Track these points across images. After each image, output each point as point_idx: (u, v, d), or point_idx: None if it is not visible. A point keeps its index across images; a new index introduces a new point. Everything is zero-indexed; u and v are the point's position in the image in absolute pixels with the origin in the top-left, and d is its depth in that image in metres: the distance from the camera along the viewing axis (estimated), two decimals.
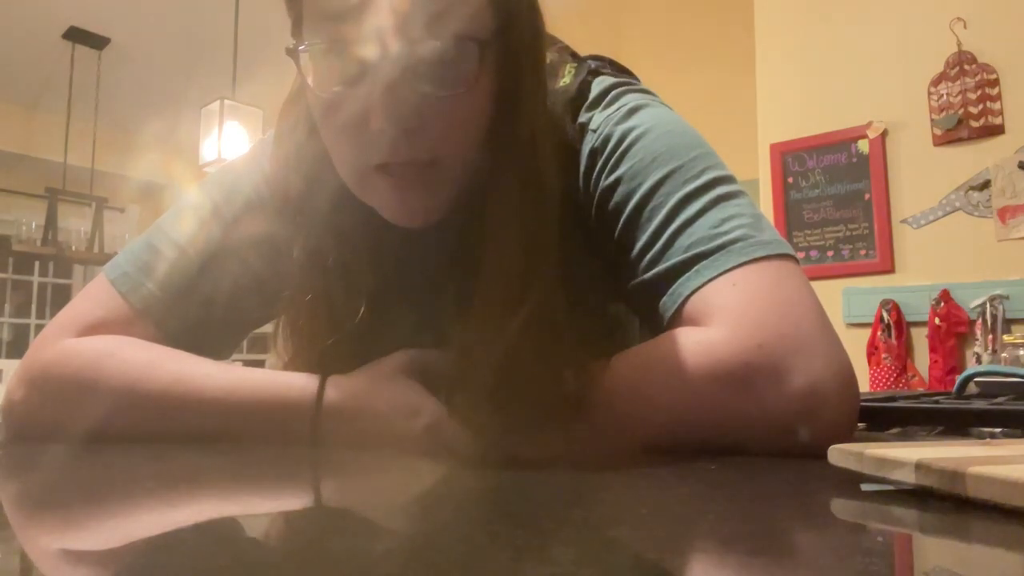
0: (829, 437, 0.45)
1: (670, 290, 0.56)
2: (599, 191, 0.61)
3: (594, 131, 0.62)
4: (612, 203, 0.60)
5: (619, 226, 0.59)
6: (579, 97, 0.64)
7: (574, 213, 0.61)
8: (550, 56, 0.64)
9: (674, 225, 0.56)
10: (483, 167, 0.57)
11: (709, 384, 0.51)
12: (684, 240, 0.56)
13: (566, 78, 0.66)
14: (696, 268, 0.55)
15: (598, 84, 0.65)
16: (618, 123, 0.61)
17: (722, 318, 0.52)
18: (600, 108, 0.63)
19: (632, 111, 0.62)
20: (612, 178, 0.60)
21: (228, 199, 0.69)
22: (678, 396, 0.52)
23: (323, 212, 0.60)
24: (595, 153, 0.62)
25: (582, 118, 0.64)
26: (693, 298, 0.54)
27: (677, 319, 0.55)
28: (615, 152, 0.60)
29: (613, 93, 0.64)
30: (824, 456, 0.42)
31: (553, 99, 0.63)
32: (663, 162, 0.59)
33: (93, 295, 0.68)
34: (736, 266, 0.54)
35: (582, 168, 0.62)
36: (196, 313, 0.67)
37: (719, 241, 0.55)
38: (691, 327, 0.54)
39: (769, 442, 0.51)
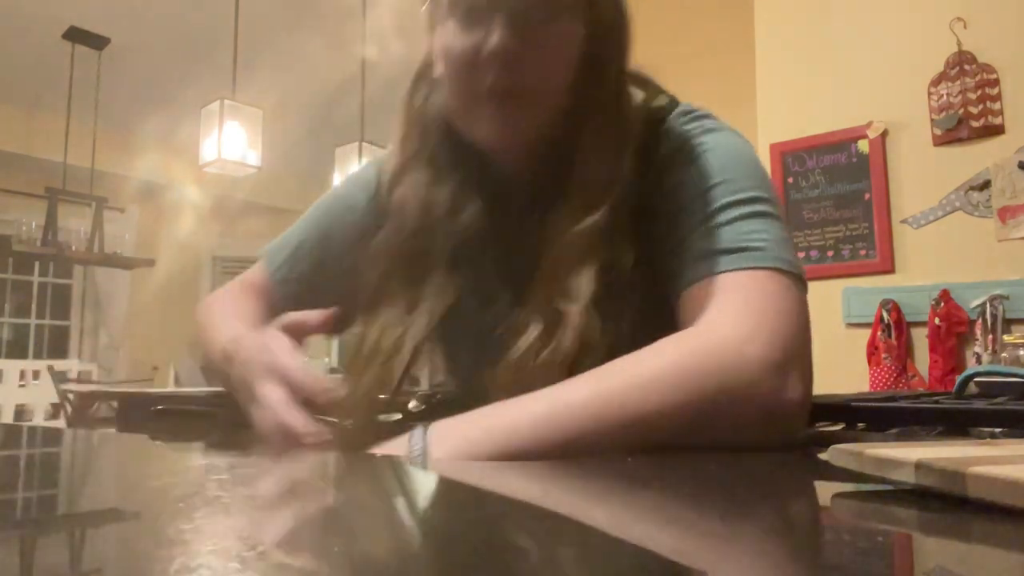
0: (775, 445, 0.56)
1: (688, 270, 0.65)
2: (666, 186, 0.71)
3: (674, 137, 0.73)
4: (672, 197, 0.70)
5: (670, 214, 0.69)
6: (661, 110, 0.76)
7: (638, 195, 0.70)
8: (643, 88, 0.78)
9: (711, 223, 0.66)
10: (567, 122, 0.70)
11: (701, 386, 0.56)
12: (714, 235, 0.65)
13: (660, 99, 0.77)
14: (716, 259, 0.63)
15: (685, 105, 0.78)
16: (694, 137, 0.72)
17: (721, 313, 0.60)
18: (682, 122, 0.74)
19: (708, 131, 0.73)
20: (676, 178, 0.70)
21: (346, 184, 0.92)
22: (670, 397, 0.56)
23: (438, 169, 0.74)
24: (669, 155, 0.72)
25: (665, 125, 0.74)
26: (703, 282, 0.63)
27: (688, 296, 0.64)
28: (687, 158, 0.71)
29: (696, 114, 0.76)
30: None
31: (637, 102, 0.75)
32: (720, 173, 0.68)
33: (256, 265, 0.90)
34: (748, 268, 0.62)
35: (656, 162, 0.72)
36: (309, 276, 0.85)
37: (742, 244, 0.63)
38: (693, 331, 0.60)
39: (734, 438, 0.57)
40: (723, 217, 0.65)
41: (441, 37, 0.69)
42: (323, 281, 0.84)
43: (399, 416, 0.75)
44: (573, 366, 0.60)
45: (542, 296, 0.66)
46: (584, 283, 0.64)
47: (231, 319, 0.78)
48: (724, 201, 0.66)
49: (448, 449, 0.53)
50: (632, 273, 0.67)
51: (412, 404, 0.79)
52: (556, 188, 0.70)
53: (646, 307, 0.67)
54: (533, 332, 0.64)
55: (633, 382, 0.55)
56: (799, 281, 0.63)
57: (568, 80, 0.69)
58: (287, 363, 0.62)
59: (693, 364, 0.56)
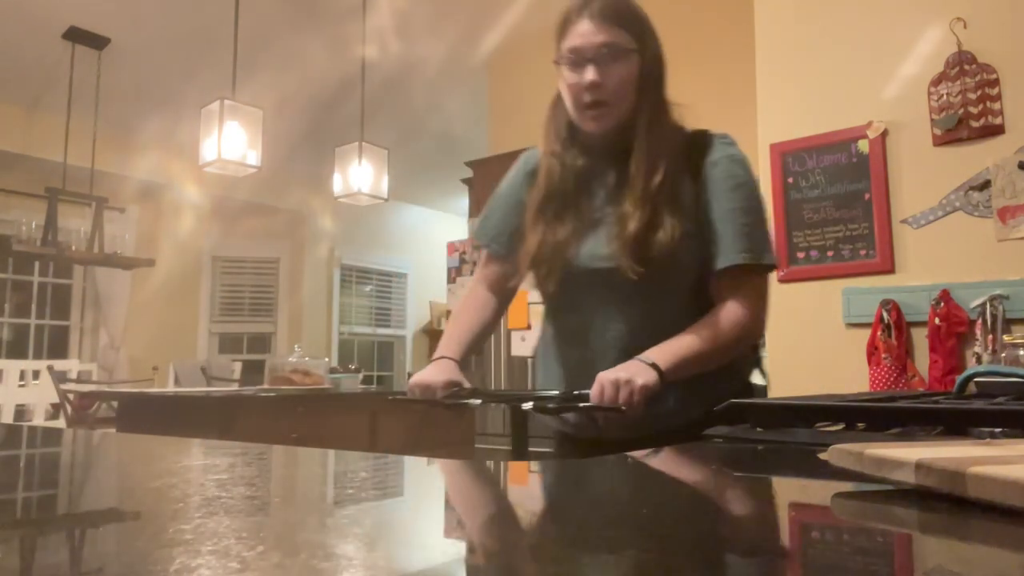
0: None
1: (726, 254, 1.21)
2: (717, 190, 1.24)
3: (718, 151, 1.26)
4: (717, 199, 1.23)
5: (715, 211, 1.23)
6: (706, 131, 1.30)
7: (691, 182, 1.25)
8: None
9: (740, 229, 1.22)
10: (633, 124, 1.25)
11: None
12: (742, 237, 1.21)
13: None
14: (741, 254, 1.20)
15: (720, 133, 1.31)
16: (733, 162, 1.26)
17: (745, 301, 1.21)
18: (721, 143, 1.28)
19: (738, 160, 1.27)
20: (726, 187, 1.24)
21: (513, 169, 1.46)
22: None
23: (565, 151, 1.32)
24: (714, 162, 1.25)
25: (712, 142, 1.28)
26: (735, 268, 1.20)
27: (725, 273, 1.21)
28: (727, 175, 1.24)
29: (729, 139, 1.30)
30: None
31: (682, 128, 1.30)
32: (745, 200, 1.24)
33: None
34: (767, 265, 1.24)
35: (706, 169, 1.25)
36: (500, 229, 1.41)
37: (752, 247, 1.21)
38: (732, 310, 1.21)
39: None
40: (745, 228, 1.22)
41: (562, 76, 1.26)
42: (511, 230, 1.37)
43: (479, 402, 1.19)
44: (636, 247, 1.18)
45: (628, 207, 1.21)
46: (648, 203, 1.20)
47: (445, 340, 1.38)
48: (747, 220, 1.22)
49: (660, 356, 1.13)
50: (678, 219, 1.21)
51: (474, 401, 1.20)
52: (629, 153, 1.24)
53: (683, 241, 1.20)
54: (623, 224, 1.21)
55: (719, 333, 1.18)
56: (772, 267, 1.25)
57: (632, 92, 1.24)
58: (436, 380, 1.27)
59: (735, 332, 1.20)
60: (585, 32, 1.21)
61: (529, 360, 3.97)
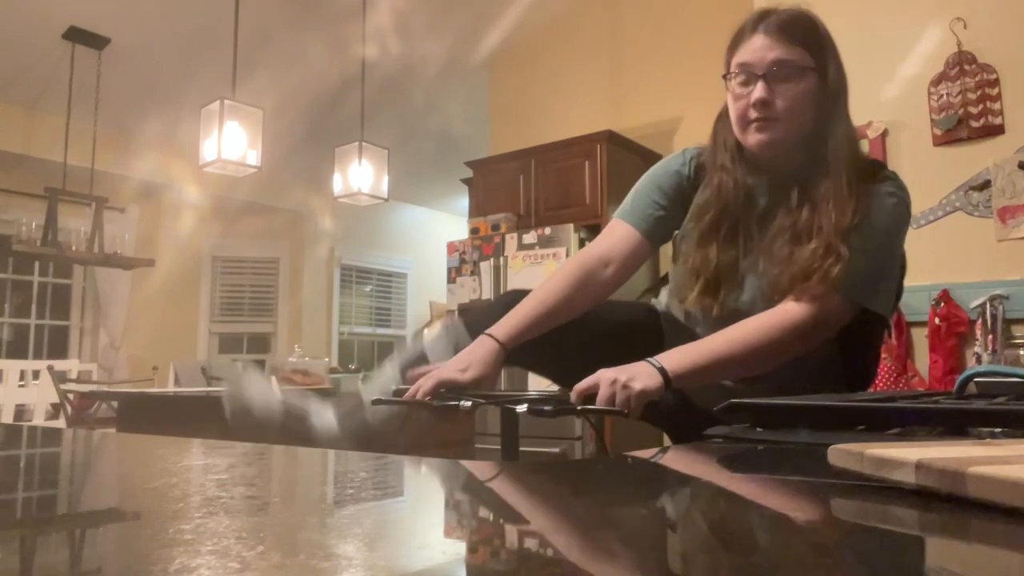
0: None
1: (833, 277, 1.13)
2: (871, 213, 1.16)
3: (885, 181, 1.21)
4: (867, 221, 1.15)
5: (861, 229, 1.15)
6: (882, 163, 1.31)
7: (858, 201, 1.15)
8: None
9: (861, 265, 1.13)
10: (810, 150, 1.19)
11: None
12: (861, 275, 1.13)
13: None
14: (849, 286, 1.13)
15: (892, 172, 1.26)
16: (895, 195, 1.20)
17: (814, 304, 1.13)
18: (887, 175, 1.22)
19: (900, 198, 1.20)
20: (875, 217, 1.16)
21: (668, 158, 1.38)
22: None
23: (728, 167, 1.24)
24: (877, 190, 1.18)
25: (884, 173, 1.23)
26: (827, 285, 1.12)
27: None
28: (885, 206, 1.18)
29: (898, 180, 1.24)
30: None
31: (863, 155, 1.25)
32: (887, 236, 1.19)
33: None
34: (858, 306, 1.16)
35: (877, 199, 1.18)
36: (646, 208, 1.33)
37: (866, 292, 1.16)
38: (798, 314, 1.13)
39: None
40: (862, 264, 1.12)
41: (731, 91, 1.20)
42: (657, 209, 1.32)
43: (469, 404, 1.09)
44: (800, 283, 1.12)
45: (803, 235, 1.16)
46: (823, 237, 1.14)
47: (514, 311, 1.24)
48: (872, 260, 1.14)
49: (672, 360, 1.07)
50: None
51: (465, 403, 1.11)
52: (815, 180, 1.17)
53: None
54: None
55: (749, 336, 1.12)
56: (854, 309, 1.15)
57: (807, 113, 1.17)
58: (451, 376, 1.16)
59: (771, 341, 1.12)
60: (758, 47, 1.15)
61: None
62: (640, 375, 1.04)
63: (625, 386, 1.02)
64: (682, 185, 1.32)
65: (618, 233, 1.32)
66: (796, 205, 1.18)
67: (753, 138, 1.18)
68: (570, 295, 1.26)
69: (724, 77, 1.21)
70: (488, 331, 1.21)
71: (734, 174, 1.22)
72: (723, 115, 1.27)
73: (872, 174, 1.20)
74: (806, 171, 1.18)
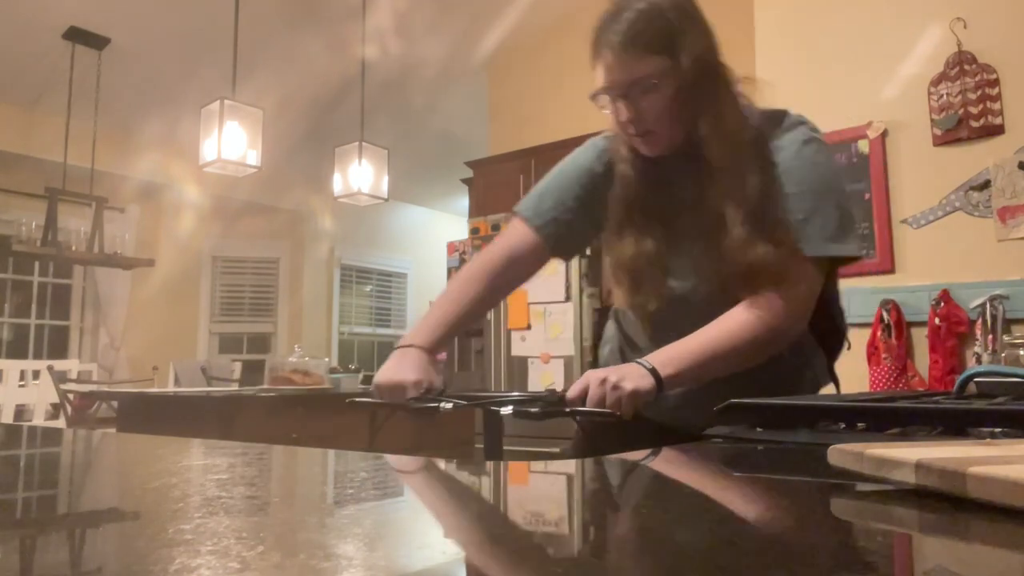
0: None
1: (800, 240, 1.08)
2: (781, 171, 1.12)
3: (788, 132, 1.14)
4: (784, 183, 1.11)
5: (790, 196, 1.10)
6: (781, 111, 1.17)
7: (765, 166, 1.12)
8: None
9: (802, 216, 1.09)
10: (689, 132, 1.13)
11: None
12: (803, 227, 1.09)
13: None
14: (800, 244, 1.08)
15: (797, 114, 1.19)
16: (805, 143, 1.14)
17: (781, 298, 1.08)
18: (793, 121, 1.16)
19: (811, 140, 1.14)
20: (788, 171, 1.11)
21: (578, 151, 1.32)
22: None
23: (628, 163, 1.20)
24: (784, 146, 1.13)
25: (793, 120, 1.16)
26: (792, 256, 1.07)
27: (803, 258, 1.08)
28: (798, 158, 1.12)
29: (801, 119, 1.17)
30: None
31: (752, 110, 1.16)
32: (815, 183, 1.13)
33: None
34: (825, 257, 1.11)
35: (775, 155, 1.13)
36: (552, 209, 1.26)
37: (822, 239, 1.09)
38: (764, 306, 1.08)
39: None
40: (799, 216, 1.09)
41: (607, 111, 1.17)
42: (563, 212, 1.26)
43: (450, 406, 1.06)
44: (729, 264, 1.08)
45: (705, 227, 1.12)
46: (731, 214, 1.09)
47: (424, 319, 1.23)
48: (807, 206, 1.10)
49: (662, 361, 1.03)
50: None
51: (446, 405, 1.07)
52: (704, 164, 1.12)
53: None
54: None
55: (740, 330, 1.07)
56: (830, 265, 1.14)
57: (673, 115, 1.12)
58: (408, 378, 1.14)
59: (758, 329, 1.07)
60: (610, 67, 1.12)
61: (530, 360, 3.96)
62: (631, 375, 1.00)
63: (616, 386, 0.98)
64: (595, 184, 1.25)
65: (517, 234, 1.27)
66: (703, 190, 1.13)
67: (641, 146, 1.16)
68: (482, 295, 1.24)
69: (592, 99, 1.17)
70: (404, 343, 1.19)
71: (635, 164, 1.18)
72: None
73: (778, 123, 1.15)
74: (701, 155, 1.13)
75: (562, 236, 1.26)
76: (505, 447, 1.13)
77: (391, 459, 0.64)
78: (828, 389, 1.30)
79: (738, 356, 1.06)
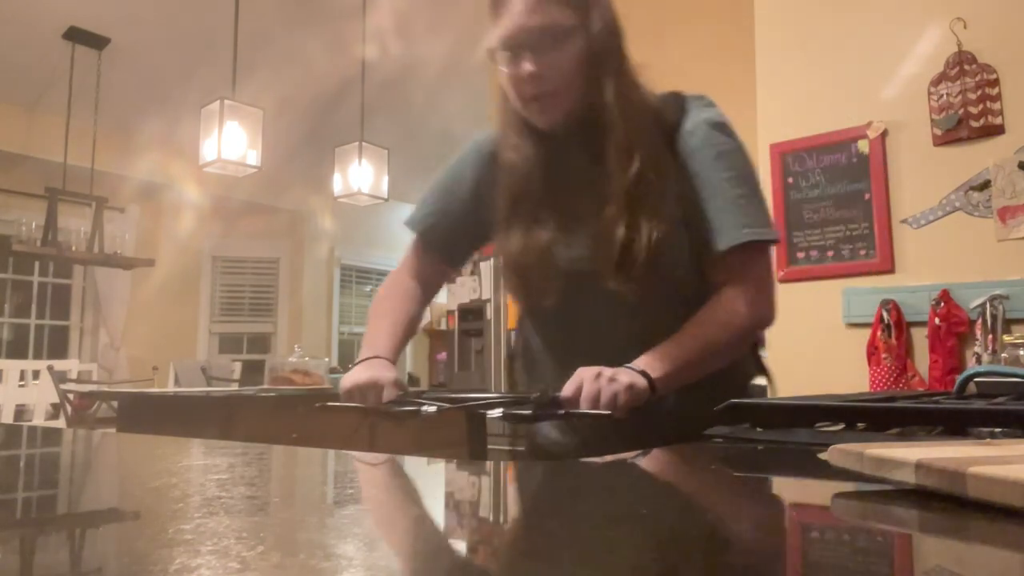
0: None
1: (721, 235, 1.05)
2: (699, 162, 1.08)
3: (693, 117, 1.10)
4: (705, 171, 1.07)
5: (702, 187, 1.07)
6: (680, 94, 1.14)
7: (667, 149, 1.09)
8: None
9: (732, 204, 1.06)
10: (589, 100, 1.08)
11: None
12: (743, 209, 1.06)
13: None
14: (739, 231, 1.04)
15: (696, 94, 1.15)
16: (713, 126, 1.10)
17: (743, 291, 1.06)
18: (701, 108, 1.12)
19: (719, 125, 1.11)
20: (709, 157, 1.08)
21: (461, 153, 1.29)
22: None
23: (515, 145, 1.14)
24: (691, 131, 1.09)
25: (685, 106, 1.12)
26: (738, 248, 1.04)
27: (724, 256, 1.05)
28: (710, 143, 1.09)
29: (709, 102, 1.14)
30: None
31: (653, 94, 1.13)
32: (739, 164, 1.10)
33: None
34: (767, 241, 1.07)
35: (682, 140, 1.09)
36: (445, 228, 1.25)
37: (761, 219, 1.07)
38: (729, 302, 1.06)
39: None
40: (741, 200, 1.06)
41: (501, 70, 1.09)
42: (450, 220, 1.24)
43: (433, 408, 1.01)
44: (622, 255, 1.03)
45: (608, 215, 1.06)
46: (622, 203, 1.05)
47: (374, 336, 1.19)
48: (738, 191, 1.06)
49: (649, 363, 0.98)
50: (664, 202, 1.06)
51: (429, 408, 1.02)
52: (599, 139, 1.08)
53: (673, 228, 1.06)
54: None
55: (719, 329, 1.05)
56: (774, 241, 1.09)
57: (580, 75, 1.06)
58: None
59: (740, 322, 1.05)
60: (517, 14, 1.04)
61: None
62: (625, 372, 0.96)
63: (612, 379, 0.94)
64: (478, 190, 1.20)
65: (415, 249, 1.28)
66: (597, 170, 1.07)
67: (536, 113, 1.09)
68: (413, 309, 1.24)
69: (488, 53, 1.10)
70: (367, 356, 1.14)
71: (524, 150, 1.12)
72: (504, 95, 1.15)
73: (679, 106, 1.11)
74: (597, 128, 1.08)
75: (445, 239, 1.24)
76: (496, 447, 1.11)
77: (391, 459, 0.64)
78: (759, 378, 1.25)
79: (724, 349, 1.05)
